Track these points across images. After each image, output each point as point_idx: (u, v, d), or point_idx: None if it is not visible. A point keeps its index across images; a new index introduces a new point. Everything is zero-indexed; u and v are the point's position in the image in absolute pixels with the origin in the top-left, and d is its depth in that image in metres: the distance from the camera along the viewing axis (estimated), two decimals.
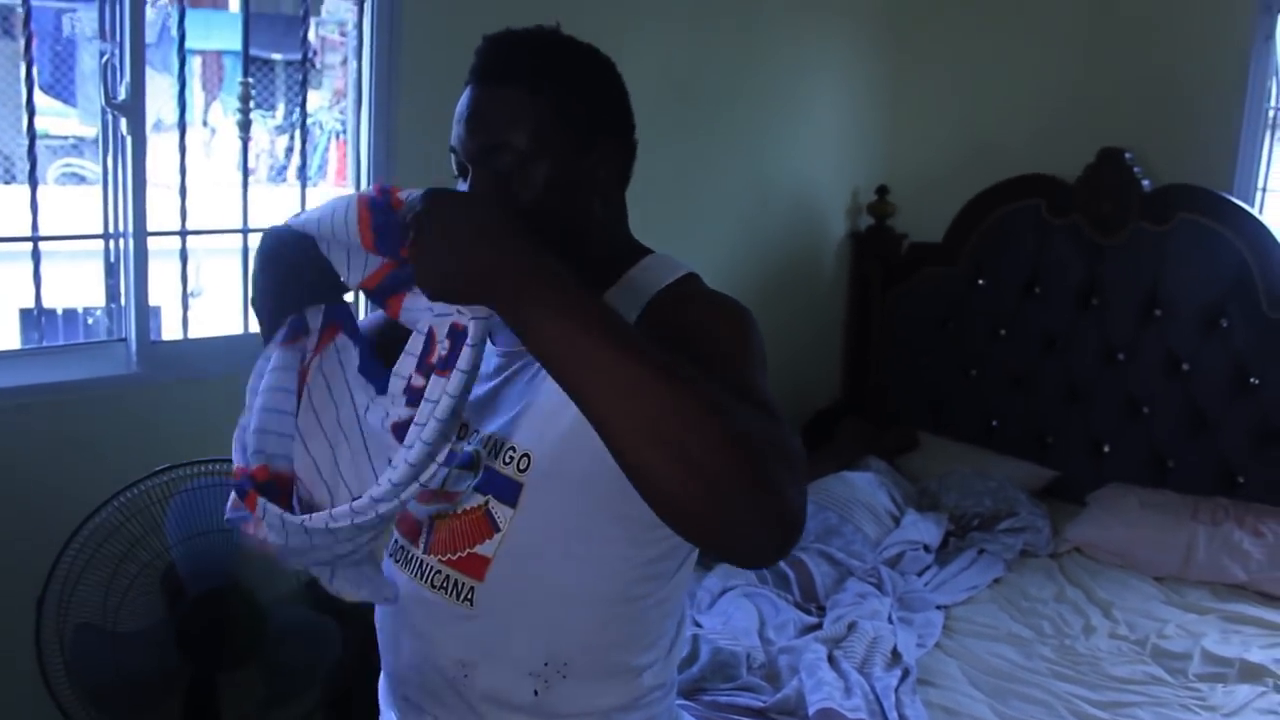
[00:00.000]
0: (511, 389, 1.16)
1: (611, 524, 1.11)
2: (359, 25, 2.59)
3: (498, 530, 1.12)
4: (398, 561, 1.20)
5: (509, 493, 1.12)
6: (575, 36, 1.23)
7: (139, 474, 1.97)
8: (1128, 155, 3.24)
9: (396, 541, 1.22)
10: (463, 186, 1.13)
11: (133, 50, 2.15)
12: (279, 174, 6.22)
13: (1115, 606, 2.75)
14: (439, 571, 1.15)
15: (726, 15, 3.27)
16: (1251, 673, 2.42)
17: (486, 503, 1.13)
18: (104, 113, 2.23)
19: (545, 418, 1.10)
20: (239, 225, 2.48)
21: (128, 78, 2.17)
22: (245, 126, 2.50)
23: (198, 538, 1.94)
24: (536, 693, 1.14)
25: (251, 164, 7.05)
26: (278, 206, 4.71)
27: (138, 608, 1.94)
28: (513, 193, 1.10)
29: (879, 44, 3.82)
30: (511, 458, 1.12)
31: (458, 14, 2.62)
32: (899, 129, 3.93)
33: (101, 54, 2.20)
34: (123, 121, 2.19)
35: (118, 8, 2.16)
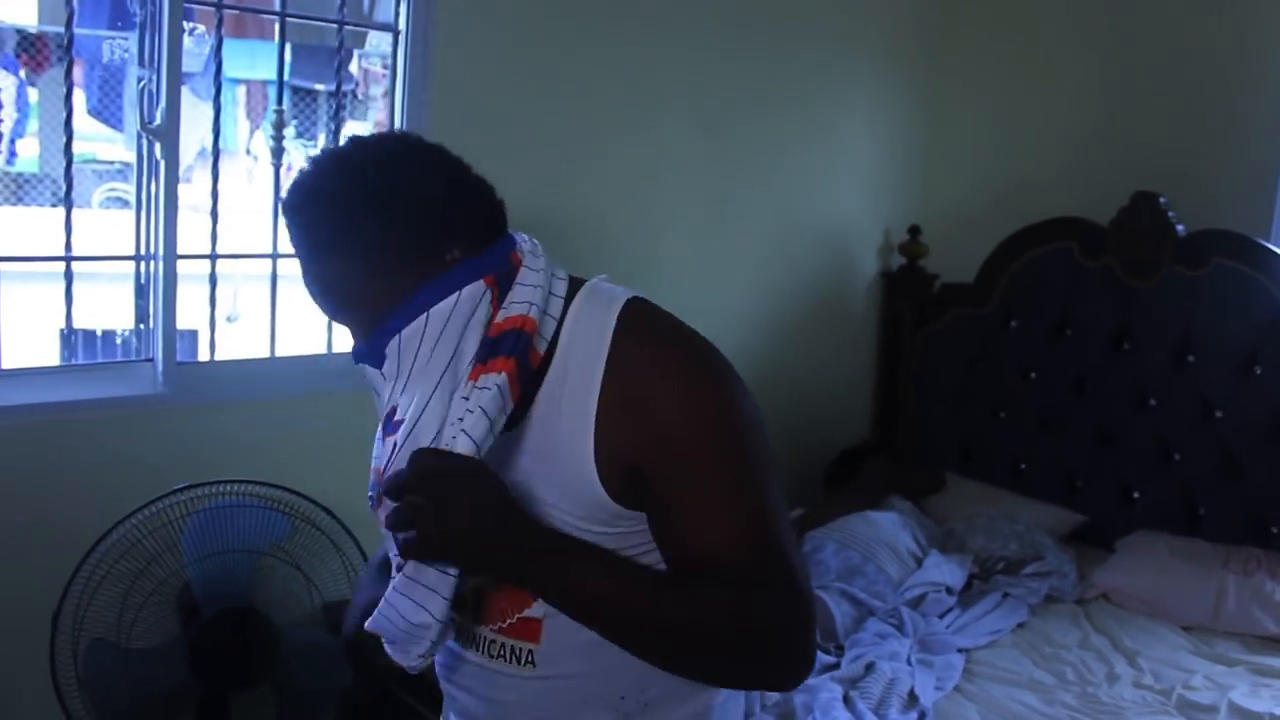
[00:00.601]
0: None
1: (647, 554, 1.11)
2: (393, 57, 2.63)
3: None
4: (458, 637, 1.20)
5: None
6: (367, 146, 1.10)
7: (160, 493, 1.99)
8: (1162, 199, 3.21)
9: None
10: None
11: (169, 77, 2.20)
12: None
13: (1141, 655, 2.69)
14: (494, 641, 1.16)
15: (758, 52, 3.29)
16: None
17: None
18: (140, 137, 2.28)
19: (562, 478, 1.09)
20: (269, 250, 2.52)
21: (163, 103, 2.22)
22: (279, 153, 2.55)
23: (213, 557, 1.96)
24: None
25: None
26: None
27: (152, 624, 1.96)
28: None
29: (913, 83, 3.83)
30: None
31: (487, 45, 2.67)
32: (932, 169, 3.92)
33: (139, 80, 2.25)
34: (157, 146, 2.24)
35: (156, 35, 2.22)
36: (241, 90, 6.05)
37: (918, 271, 3.78)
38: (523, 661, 1.14)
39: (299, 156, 6.64)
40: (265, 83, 5.99)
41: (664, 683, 1.14)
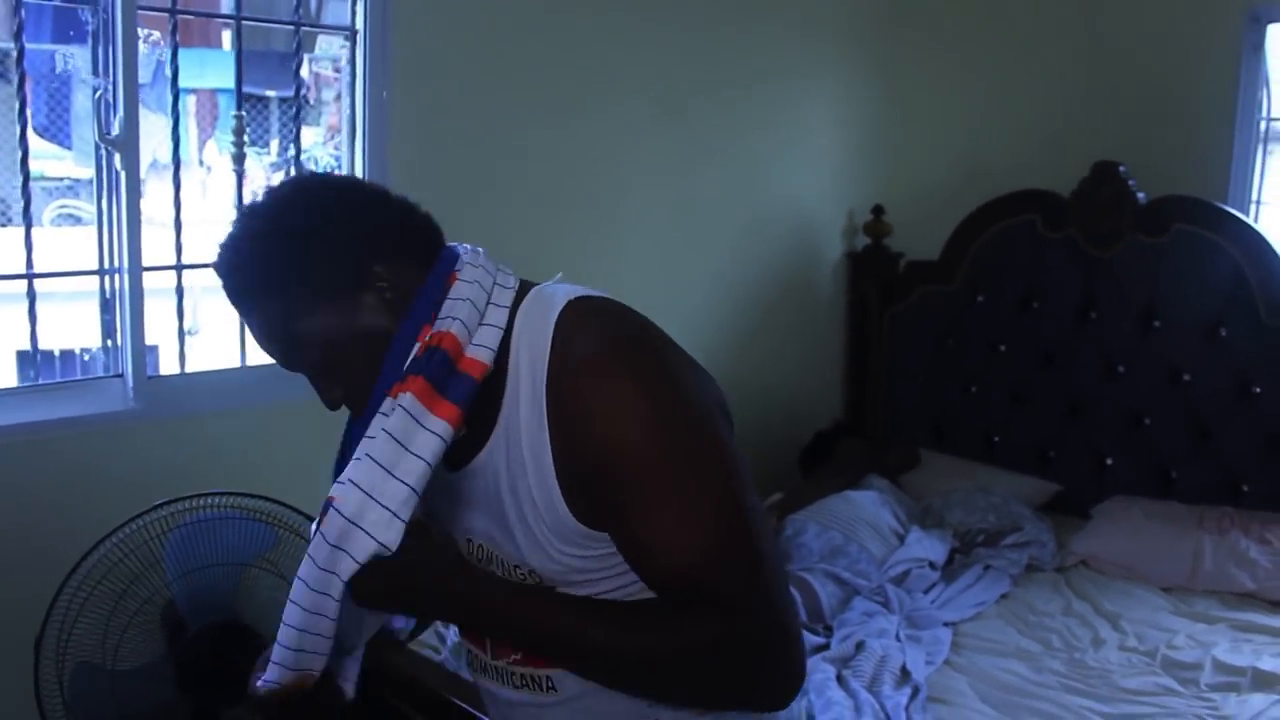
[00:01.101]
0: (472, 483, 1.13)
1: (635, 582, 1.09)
2: (351, 60, 2.60)
3: None
4: (477, 671, 1.23)
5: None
6: (272, 197, 1.13)
7: (137, 510, 1.96)
8: (1122, 168, 3.25)
9: (470, 652, 1.23)
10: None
11: (126, 85, 2.17)
12: None
13: (1123, 618, 2.73)
14: (513, 673, 1.16)
15: (721, 39, 3.29)
16: (1264, 681, 2.39)
17: None
18: (98, 149, 2.24)
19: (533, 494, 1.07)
20: None
21: (121, 113, 2.18)
22: (240, 159, 2.51)
23: (197, 572, 1.93)
24: None
25: (247, 200, 7.13)
26: None
27: (138, 645, 1.93)
28: (341, 375, 1.11)
29: (873, 62, 3.84)
30: (520, 574, 1.11)
31: (444, 39, 2.65)
32: (893, 149, 3.94)
33: (95, 90, 2.20)
34: (116, 157, 2.20)
35: (110, 44, 2.17)
36: (191, 100, 5.96)
37: (883, 251, 3.80)
38: (544, 688, 1.15)
39: (253, 164, 6.57)
40: (215, 91, 5.91)
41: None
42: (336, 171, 2.64)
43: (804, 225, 3.75)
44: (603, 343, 1.03)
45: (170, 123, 2.48)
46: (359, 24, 2.56)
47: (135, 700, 1.88)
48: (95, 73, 2.23)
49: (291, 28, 2.58)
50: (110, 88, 2.19)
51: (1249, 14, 3.23)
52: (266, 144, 6.08)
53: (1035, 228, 3.45)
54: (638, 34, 3.06)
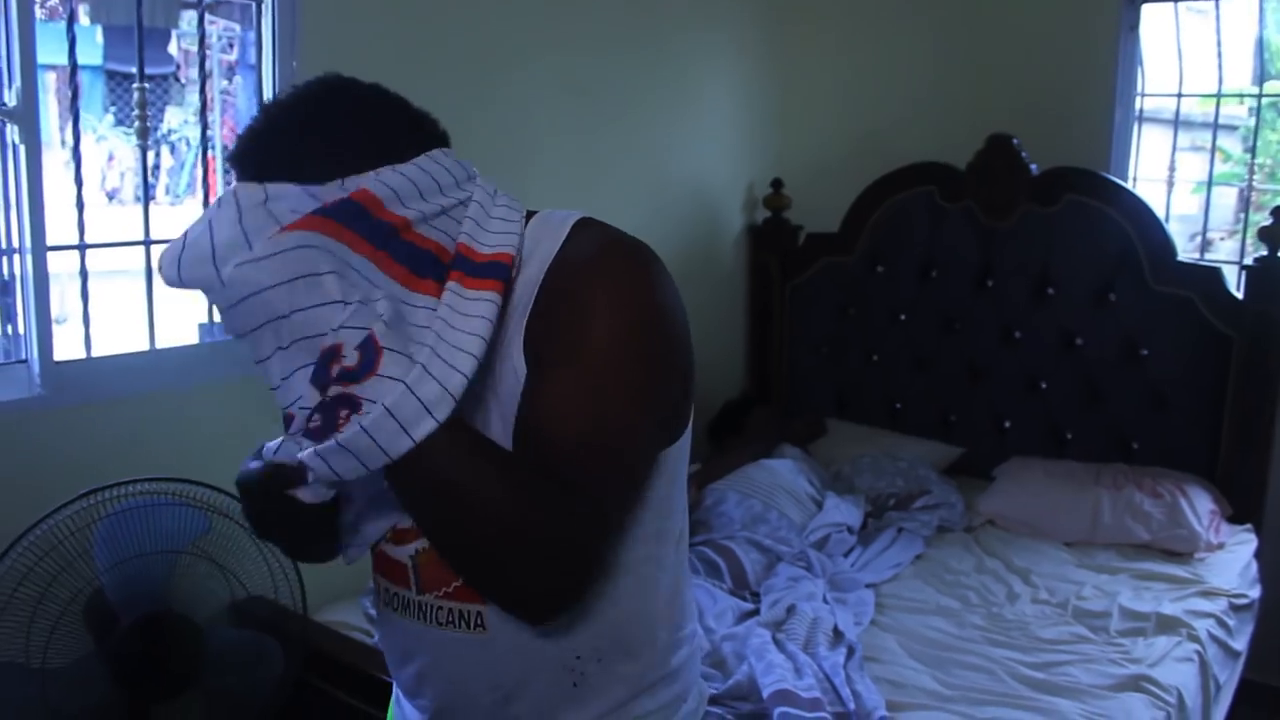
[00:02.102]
0: None
1: None
2: (256, 29, 2.49)
3: None
4: (396, 610, 1.18)
5: None
6: (304, 90, 1.10)
7: (49, 505, 1.85)
8: (1015, 141, 3.37)
9: (389, 590, 1.19)
10: None
11: (22, 51, 2.03)
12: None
13: (1033, 573, 2.85)
14: (440, 608, 1.14)
15: (622, 14, 3.27)
16: (1167, 625, 2.54)
17: None
18: None
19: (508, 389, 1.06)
20: (141, 238, 2.37)
21: (18, 82, 2.05)
22: (144, 134, 2.39)
23: (130, 562, 1.84)
24: (575, 685, 1.13)
25: (115, 183, 6.72)
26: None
27: (67, 644, 1.83)
28: None
29: (769, 39, 3.89)
30: None
31: (353, 15, 2.57)
32: (791, 122, 4.00)
33: None
34: (14, 130, 2.06)
35: (3, 6, 2.04)
36: (51, 77, 5.64)
37: (783, 224, 3.86)
38: (473, 625, 1.12)
39: (119, 144, 6.26)
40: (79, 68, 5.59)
41: (616, 635, 1.14)
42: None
43: (705, 198, 3.78)
44: (602, 246, 1.07)
45: (68, 96, 2.35)
46: None
47: (67, 699, 1.78)
48: None
49: None
50: (4, 55, 2.06)
51: None
52: (133, 123, 5.80)
53: (933, 199, 3.55)
54: (537, 13, 3.03)
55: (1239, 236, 3.49)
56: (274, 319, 0.96)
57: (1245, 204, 3.95)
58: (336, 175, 1.02)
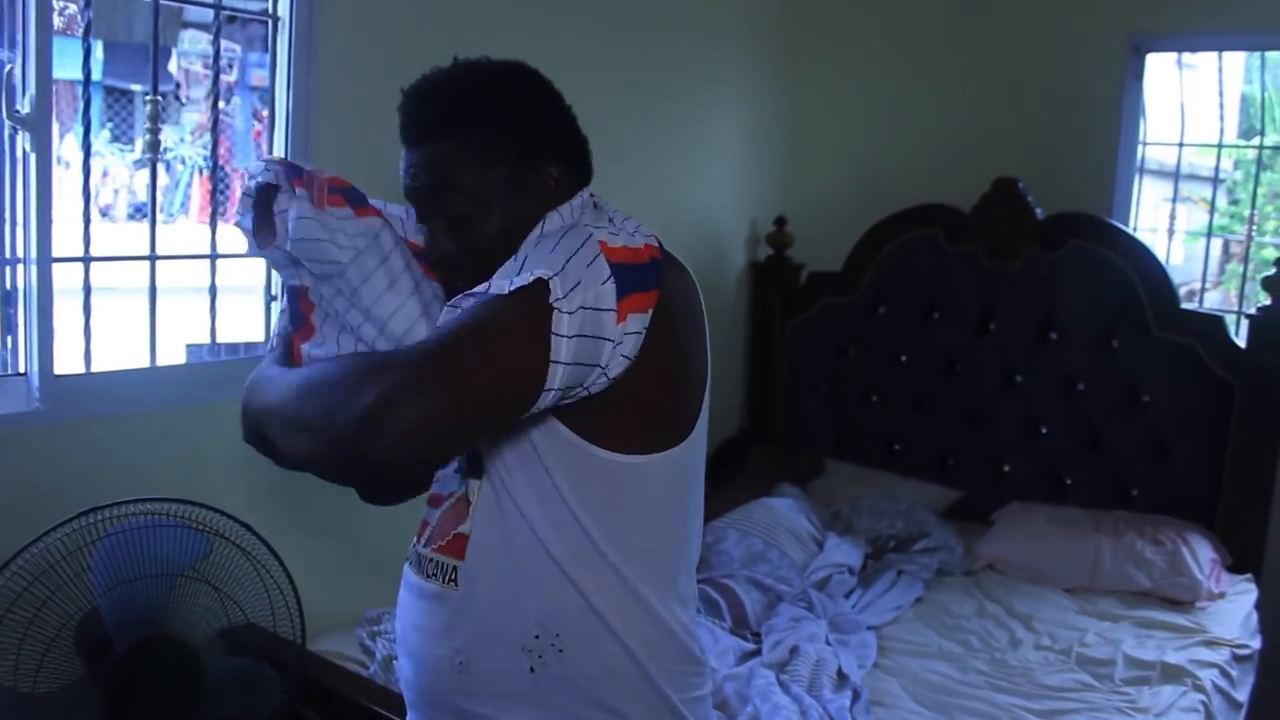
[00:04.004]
0: None
1: (558, 474, 1.14)
2: (272, 48, 2.47)
3: (469, 505, 1.19)
4: (410, 564, 1.28)
5: (476, 467, 1.19)
6: (498, 61, 1.26)
7: (45, 522, 1.80)
8: (1021, 185, 3.37)
9: (413, 547, 1.29)
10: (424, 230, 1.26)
11: (38, 57, 2.00)
12: (138, 211, 5.90)
13: (1035, 618, 2.82)
14: (430, 559, 1.22)
15: (630, 49, 3.28)
16: (1172, 674, 2.51)
17: (466, 485, 1.21)
18: (3, 128, 2.06)
19: None
20: (146, 253, 2.33)
21: (32, 89, 2.01)
22: (155, 146, 2.36)
23: (126, 585, 1.79)
24: (533, 669, 1.16)
25: (108, 199, 6.66)
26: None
27: (58, 668, 1.77)
28: (468, 234, 1.20)
29: (776, 79, 3.90)
30: None
31: (368, 35, 2.56)
32: (796, 161, 4.01)
33: (2, 64, 2.03)
34: (26, 137, 2.03)
35: (19, 10, 2.00)
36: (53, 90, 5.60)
37: (785, 261, 3.85)
38: (446, 579, 1.19)
39: (114, 161, 6.21)
40: (73, 83, 5.56)
41: (577, 624, 1.16)
42: None
43: (709, 234, 3.77)
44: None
45: (67, 109, 2.32)
46: (282, 10, 2.44)
47: None
48: (0, 44, 2.05)
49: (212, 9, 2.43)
50: (19, 60, 2.03)
51: (1130, 43, 3.41)
52: (131, 140, 5.76)
53: (937, 241, 3.55)
54: (555, 40, 3.02)
55: (1223, 287, 3.51)
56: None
57: (1227, 255, 3.99)
58: (494, 143, 1.19)
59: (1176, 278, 3.35)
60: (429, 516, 1.26)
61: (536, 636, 1.15)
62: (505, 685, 1.17)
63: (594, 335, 1.04)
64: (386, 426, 0.94)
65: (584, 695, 1.16)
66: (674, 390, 1.19)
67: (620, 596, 1.17)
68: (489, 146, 1.19)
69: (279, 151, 2.47)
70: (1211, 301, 3.61)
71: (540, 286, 1.02)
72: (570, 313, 1.02)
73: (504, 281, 1.04)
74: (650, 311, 1.09)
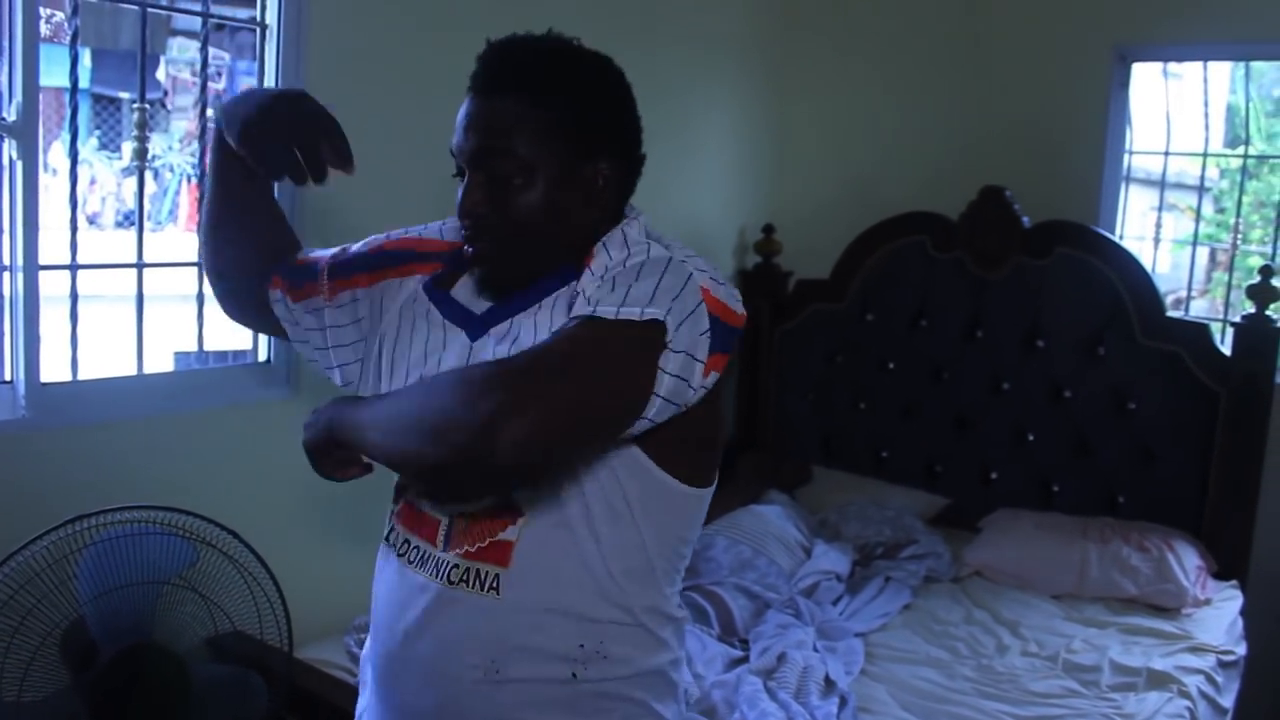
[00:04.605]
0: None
1: (632, 494, 1.17)
2: (259, 53, 2.47)
3: (521, 514, 1.16)
4: (411, 562, 1.22)
5: None
6: (590, 48, 1.26)
7: (30, 530, 1.79)
8: (1008, 193, 3.39)
9: (409, 542, 1.23)
10: (459, 189, 1.22)
11: (25, 64, 2.00)
12: (126, 218, 5.88)
13: (1022, 625, 2.83)
14: (457, 566, 1.18)
15: (618, 56, 3.27)
16: (1158, 680, 2.52)
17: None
18: None
19: None
20: (134, 261, 2.33)
21: (19, 96, 2.01)
22: (143, 154, 2.36)
23: (112, 593, 1.78)
24: (575, 675, 1.16)
25: (95, 207, 6.64)
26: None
27: (43, 677, 1.76)
28: (506, 197, 1.18)
29: (763, 82, 3.91)
30: None
31: (359, 42, 2.56)
32: (784, 168, 4.02)
33: None
34: (12, 144, 2.03)
35: (6, 18, 2.00)
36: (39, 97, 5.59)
37: (773, 269, 3.86)
38: (485, 587, 1.16)
39: (101, 168, 6.20)
40: (62, 90, 5.54)
41: (622, 634, 1.18)
42: None
43: (696, 241, 3.76)
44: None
45: (52, 117, 2.31)
46: (270, 18, 2.44)
47: None
48: None
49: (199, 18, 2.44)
50: (6, 68, 2.03)
51: (1116, 52, 3.43)
52: (118, 148, 5.75)
53: (925, 249, 3.56)
54: None
55: (1210, 295, 3.52)
56: None
57: (1213, 263, 4.01)
58: (553, 111, 1.18)
59: (1163, 286, 3.38)
60: (436, 512, 1.22)
61: (581, 646, 1.17)
62: (542, 693, 1.17)
63: (686, 379, 1.10)
64: (508, 432, 0.97)
65: (617, 694, 1.20)
66: (717, 434, 1.28)
67: (658, 607, 1.23)
68: (551, 119, 1.18)
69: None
70: (1197, 309, 3.63)
71: (656, 326, 1.07)
72: (676, 352, 1.08)
73: (609, 309, 1.07)
74: (722, 372, 1.16)
